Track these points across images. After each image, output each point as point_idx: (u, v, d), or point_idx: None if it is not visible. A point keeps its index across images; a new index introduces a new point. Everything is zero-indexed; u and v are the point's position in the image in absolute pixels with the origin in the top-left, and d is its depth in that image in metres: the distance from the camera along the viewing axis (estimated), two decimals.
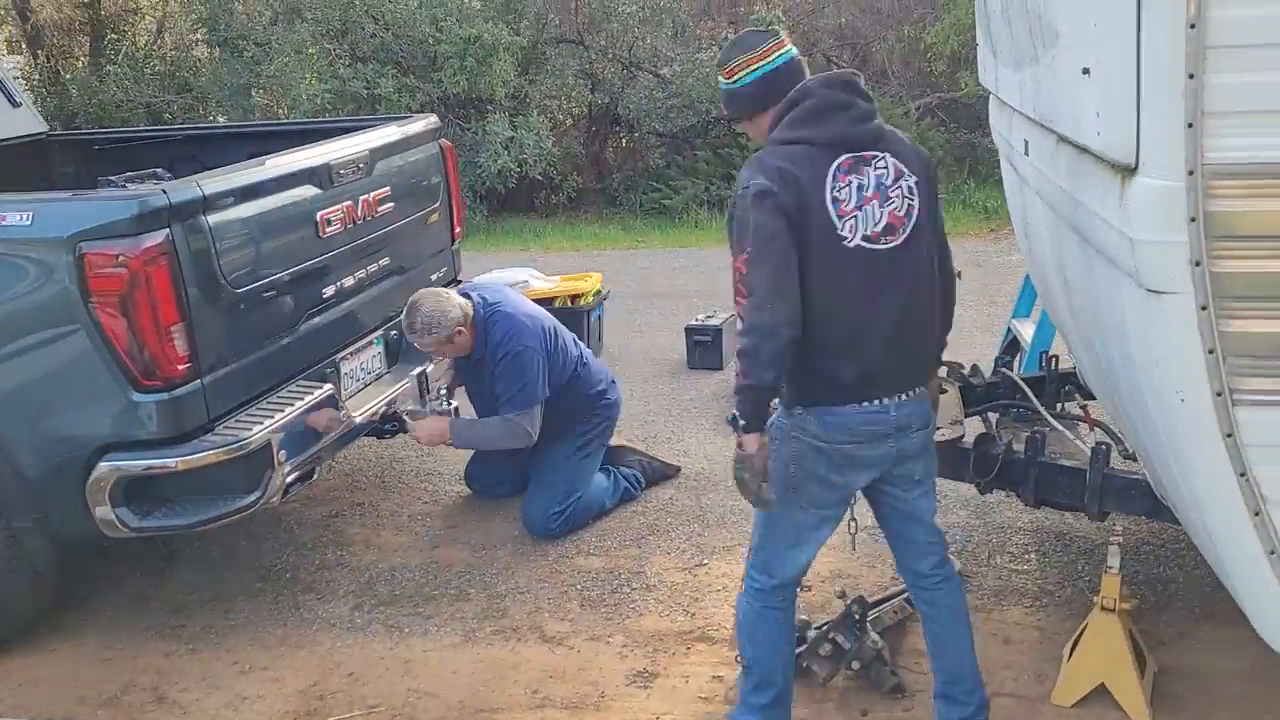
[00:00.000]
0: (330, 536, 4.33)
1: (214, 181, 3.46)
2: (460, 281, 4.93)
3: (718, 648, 3.45)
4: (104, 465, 3.27)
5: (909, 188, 2.54)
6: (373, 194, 4.12)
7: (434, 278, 4.70)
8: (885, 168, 2.53)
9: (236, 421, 3.44)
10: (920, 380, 2.66)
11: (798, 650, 3.16)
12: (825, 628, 3.20)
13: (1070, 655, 3.13)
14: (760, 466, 2.52)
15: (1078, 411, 3.66)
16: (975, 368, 3.80)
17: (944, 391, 3.73)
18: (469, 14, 10.68)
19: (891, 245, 2.52)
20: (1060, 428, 3.34)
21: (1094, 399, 3.63)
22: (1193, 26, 1.92)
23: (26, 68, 16.18)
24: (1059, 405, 3.70)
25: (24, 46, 16.23)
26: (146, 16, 17.06)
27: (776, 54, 2.61)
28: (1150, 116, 2.01)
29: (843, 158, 2.49)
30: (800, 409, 2.61)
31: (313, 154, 3.90)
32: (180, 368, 3.24)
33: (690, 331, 6.21)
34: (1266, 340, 2.08)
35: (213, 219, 3.34)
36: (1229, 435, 2.13)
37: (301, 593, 3.92)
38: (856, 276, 2.49)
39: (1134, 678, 3.00)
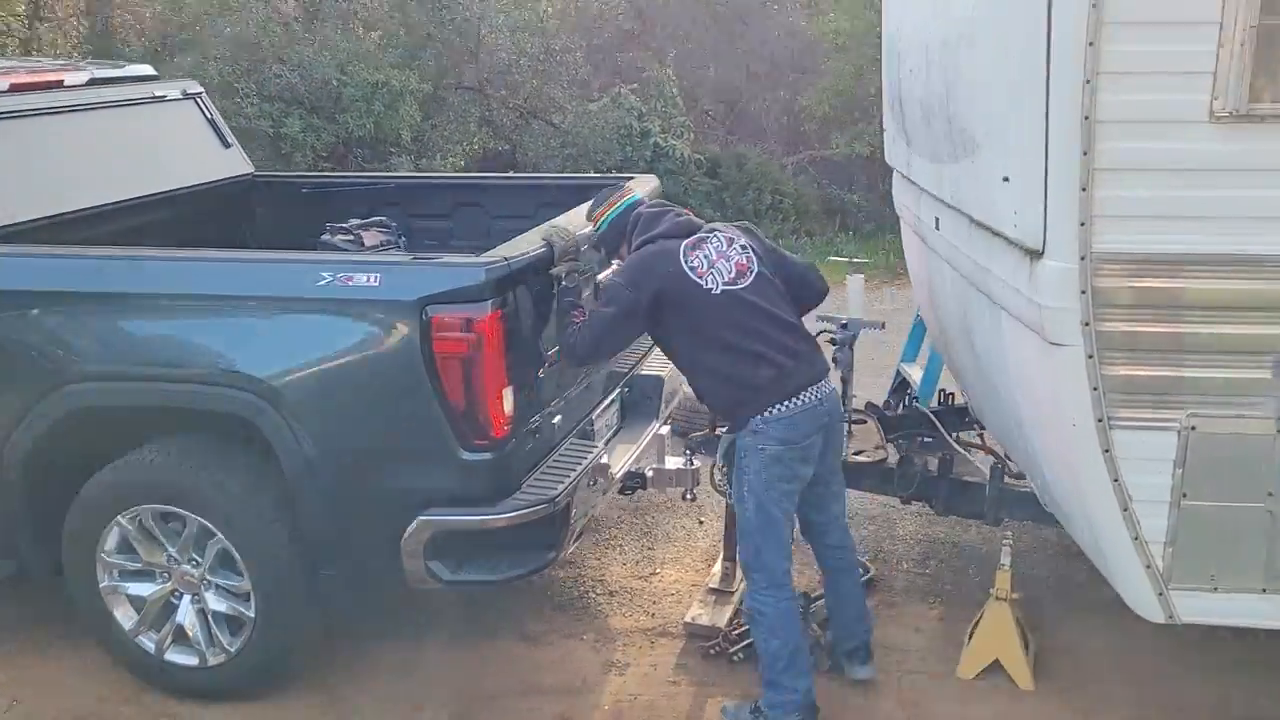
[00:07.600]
0: None
1: (522, 249, 3.43)
2: None
3: (678, 641, 4.03)
4: (421, 518, 3.29)
5: (741, 246, 3.46)
6: None
7: None
8: (719, 240, 3.45)
9: (537, 481, 3.47)
10: (821, 374, 3.41)
11: (750, 640, 3.78)
12: None
13: (970, 638, 3.83)
14: None
15: (975, 438, 4.40)
16: (888, 403, 4.51)
17: (864, 421, 4.43)
18: (373, 59, 11.07)
19: (747, 284, 3.37)
20: (962, 451, 4.07)
21: (984, 428, 4.39)
22: (1085, 153, 2.65)
23: None
24: (955, 434, 4.44)
25: None
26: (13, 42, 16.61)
27: (621, 201, 3.61)
28: (1055, 217, 2.73)
29: (685, 242, 3.41)
30: (756, 424, 3.30)
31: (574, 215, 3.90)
32: (505, 428, 3.28)
33: None
34: (1132, 381, 2.83)
35: (530, 284, 3.40)
36: (1106, 451, 2.86)
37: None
38: (732, 310, 3.33)
39: (1021, 655, 3.72)
